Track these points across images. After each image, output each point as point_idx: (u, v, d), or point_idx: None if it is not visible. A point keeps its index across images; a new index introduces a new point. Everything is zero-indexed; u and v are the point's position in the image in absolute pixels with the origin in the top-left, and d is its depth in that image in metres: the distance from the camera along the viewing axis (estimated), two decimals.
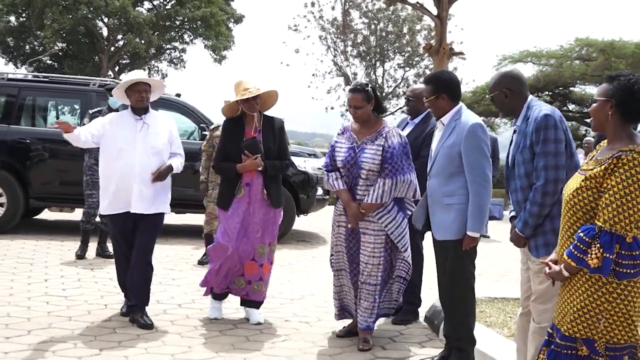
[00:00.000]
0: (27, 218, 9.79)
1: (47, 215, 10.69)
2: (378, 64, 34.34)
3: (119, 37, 33.58)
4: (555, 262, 2.99)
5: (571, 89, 23.78)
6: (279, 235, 8.70)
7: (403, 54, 33.77)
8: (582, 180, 2.91)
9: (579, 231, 2.85)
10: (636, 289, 2.80)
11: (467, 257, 4.18)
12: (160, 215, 5.15)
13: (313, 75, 34.85)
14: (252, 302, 5.21)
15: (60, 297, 5.66)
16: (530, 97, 3.76)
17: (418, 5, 18.82)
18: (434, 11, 17.88)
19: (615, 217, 2.74)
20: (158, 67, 37.58)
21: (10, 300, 5.48)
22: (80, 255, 7.36)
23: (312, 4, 33.08)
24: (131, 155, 4.95)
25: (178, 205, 7.70)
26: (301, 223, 10.56)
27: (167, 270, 6.90)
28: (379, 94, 4.83)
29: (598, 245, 2.76)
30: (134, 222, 5.05)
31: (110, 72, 33.30)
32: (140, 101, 5.03)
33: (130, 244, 5.11)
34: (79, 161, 7.66)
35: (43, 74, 11.12)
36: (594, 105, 3.01)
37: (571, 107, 24.98)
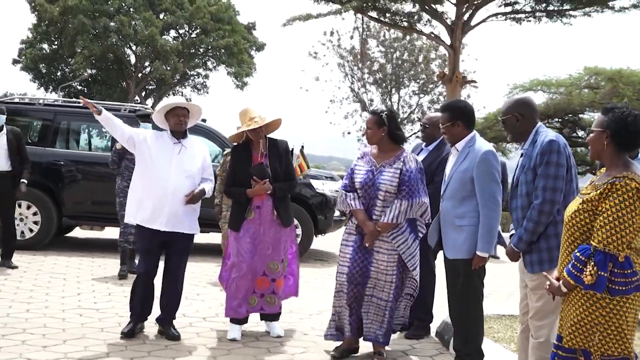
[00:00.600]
0: (60, 236, 10.20)
1: (78, 233, 11.12)
2: (394, 90, 34.95)
3: (146, 64, 34.44)
4: (558, 279, 3.25)
5: (580, 116, 24.08)
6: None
7: (418, 81, 34.34)
8: (580, 203, 3.19)
9: (576, 251, 3.12)
10: (628, 305, 3.05)
11: (476, 276, 4.43)
12: (191, 237, 5.36)
13: (331, 101, 35.60)
14: (269, 315, 5.44)
15: (93, 310, 5.98)
16: (539, 123, 4.02)
17: (432, 35, 19.26)
18: (448, 41, 18.30)
19: (609, 238, 3.00)
20: (182, 92, 38.37)
21: (45, 312, 5.81)
22: (123, 275, 7.51)
23: (332, 33, 33.80)
24: (167, 176, 5.12)
25: (203, 224, 8.01)
26: (319, 243, 10.90)
27: (192, 286, 7.20)
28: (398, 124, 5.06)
29: (593, 263, 3.02)
30: (162, 243, 5.22)
31: (137, 97, 34.10)
32: (179, 125, 5.21)
33: (153, 264, 5.26)
34: (109, 182, 8.05)
35: (76, 100, 11.59)
36: (591, 135, 3.29)
37: (580, 133, 25.24)
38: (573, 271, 3.08)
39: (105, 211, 8.96)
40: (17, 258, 8.05)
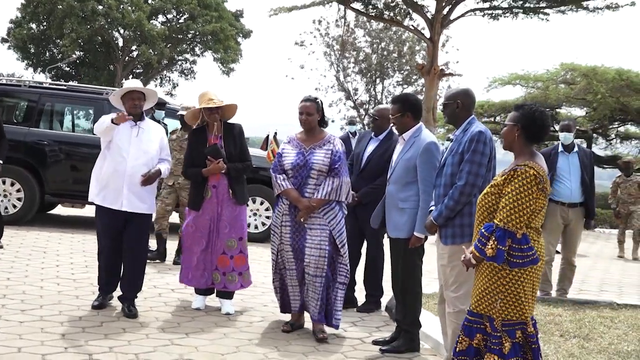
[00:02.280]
0: (42, 212, 10.62)
1: (60, 210, 11.57)
2: (378, 80, 35.37)
3: (133, 48, 34.69)
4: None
5: (557, 110, 24.63)
6: (268, 234, 9.41)
7: (402, 72, 34.78)
8: (489, 187, 3.70)
9: (482, 228, 3.63)
10: (525, 276, 3.54)
11: (416, 253, 4.90)
12: (149, 217, 5.58)
13: (316, 89, 35.96)
14: (225, 293, 5.74)
15: (70, 280, 6.46)
16: (473, 115, 4.48)
17: (413, 28, 19.76)
18: (428, 34, 18.79)
19: (508, 217, 3.51)
20: (169, 77, 38.70)
21: (25, 280, 6.27)
22: (177, 261, 7.68)
23: (319, 22, 34.16)
24: (125, 157, 5.35)
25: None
26: None
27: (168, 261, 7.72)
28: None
29: (494, 239, 3.53)
30: (123, 221, 5.41)
31: (124, 81, 34.31)
32: (134, 108, 5.41)
33: (116, 241, 5.46)
34: (91, 162, 8.41)
35: (61, 83, 12.01)
36: (505, 128, 3.79)
37: (557, 127, 25.77)
38: (479, 245, 3.58)
39: (86, 190, 9.33)
40: None
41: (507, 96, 26.79)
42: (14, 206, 9.47)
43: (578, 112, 24.95)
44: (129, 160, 5.36)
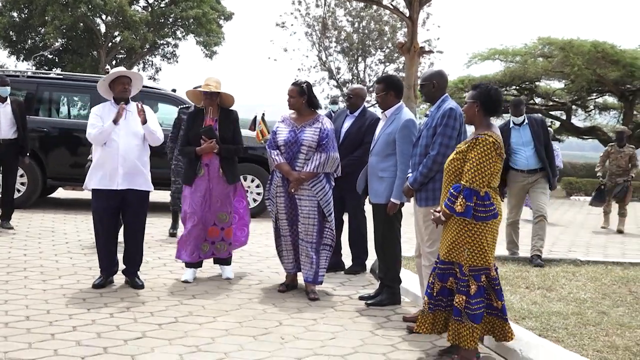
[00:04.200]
0: (43, 196, 11.14)
1: (59, 193, 12.15)
2: (360, 59, 35.85)
3: (116, 33, 34.86)
4: (439, 212, 4.37)
5: (537, 83, 25.21)
6: (261, 209, 9.99)
7: (384, 50, 35.25)
8: (455, 154, 4.32)
9: (451, 188, 4.25)
10: (487, 229, 4.17)
11: (394, 217, 5.49)
12: (146, 194, 5.84)
13: (299, 69, 36.42)
14: (221, 259, 6.29)
15: (80, 254, 7.04)
16: (447, 94, 5.08)
17: (391, 7, 20.24)
18: (407, 13, 19.27)
19: (473, 178, 4.12)
20: (152, 61, 38.78)
21: (40, 256, 6.85)
22: (173, 233, 8.43)
23: (299, 2, 34.52)
24: (116, 140, 5.63)
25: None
26: None
27: (159, 236, 8.31)
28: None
29: (462, 197, 4.15)
30: (120, 201, 5.70)
31: (107, 67, 34.45)
32: (123, 92, 5.71)
33: (113, 222, 5.79)
34: (87, 147, 8.96)
35: (59, 73, 12.47)
36: (466, 105, 4.40)
37: (537, 100, 26.39)
38: (449, 203, 4.20)
39: (85, 173, 9.89)
40: None
41: (487, 71, 27.38)
42: (18, 190, 9.95)
43: (556, 84, 25.64)
44: (121, 144, 5.64)
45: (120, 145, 5.65)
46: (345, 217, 6.89)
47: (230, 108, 6.27)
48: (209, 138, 5.99)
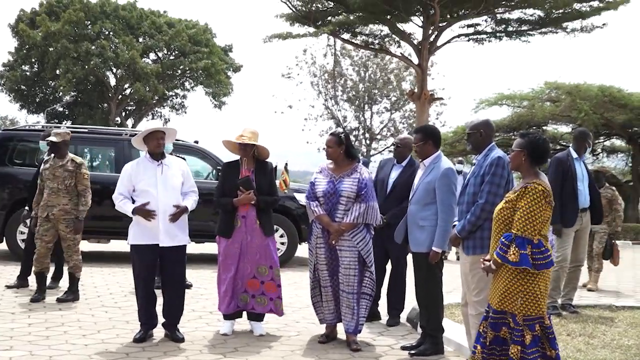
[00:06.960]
0: None
1: (85, 246, 12.02)
2: (366, 107, 36.24)
3: (126, 85, 35.43)
4: (489, 261, 4.38)
5: (544, 128, 25.40)
6: (284, 259, 9.99)
7: (390, 98, 35.66)
8: (504, 203, 4.36)
9: (502, 237, 4.27)
10: (540, 277, 4.17)
11: (436, 266, 5.52)
12: (184, 248, 5.91)
13: (305, 119, 36.78)
14: (256, 315, 6.11)
15: (115, 308, 7.05)
16: (493, 142, 5.14)
17: (401, 55, 20.61)
18: (416, 61, 19.61)
19: (525, 227, 4.14)
20: (161, 112, 39.40)
21: (76, 310, 6.87)
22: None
23: (304, 52, 35.09)
24: (155, 196, 5.68)
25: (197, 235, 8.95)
26: (303, 250, 11.98)
27: (195, 288, 8.31)
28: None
29: (514, 245, 4.17)
30: (160, 256, 5.74)
31: (118, 118, 34.99)
32: (158, 147, 5.77)
33: (152, 275, 5.83)
34: (110, 199, 8.99)
35: (83, 126, 12.62)
36: (513, 153, 4.46)
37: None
38: (500, 253, 4.21)
39: (110, 226, 9.95)
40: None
41: (495, 116, 27.48)
42: None
43: (564, 128, 25.82)
44: (160, 199, 5.70)
45: (160, 202, 5.69)
46: (388, 266, 6.88)
47: (267, 161, 6.27)
48: (246, 189, 5.99)
